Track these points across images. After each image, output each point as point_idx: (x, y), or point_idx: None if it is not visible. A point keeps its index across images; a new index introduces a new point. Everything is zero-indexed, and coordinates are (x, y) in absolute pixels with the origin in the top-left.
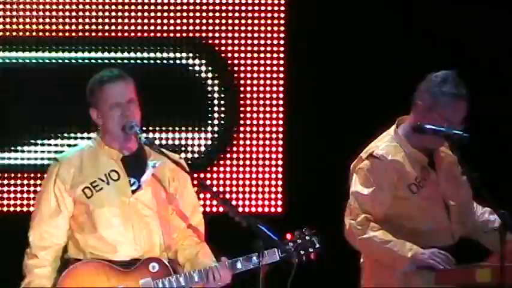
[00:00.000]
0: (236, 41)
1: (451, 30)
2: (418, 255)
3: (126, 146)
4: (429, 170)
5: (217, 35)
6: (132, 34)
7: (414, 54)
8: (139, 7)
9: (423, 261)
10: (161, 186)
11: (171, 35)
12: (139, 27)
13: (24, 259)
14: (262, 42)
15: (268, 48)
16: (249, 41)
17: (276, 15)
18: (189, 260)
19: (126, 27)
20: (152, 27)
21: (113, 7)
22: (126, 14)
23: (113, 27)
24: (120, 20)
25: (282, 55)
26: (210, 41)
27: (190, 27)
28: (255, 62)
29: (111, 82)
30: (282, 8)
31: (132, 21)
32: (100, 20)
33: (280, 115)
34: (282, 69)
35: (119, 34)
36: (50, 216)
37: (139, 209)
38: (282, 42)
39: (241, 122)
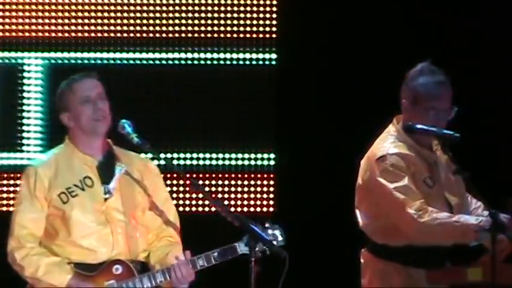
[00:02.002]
0: (228, 41)
1: (444, 28)
2: (486, 221)
3: (98, 150)
4: (435, 167)
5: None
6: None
7: (405, 56)
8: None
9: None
10: (131, 188)
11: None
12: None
13: (21, 258)
14: (254, 42)
15: (260, 49)
16: (242, 42)
17: (267, 21)
18: (159, 261)
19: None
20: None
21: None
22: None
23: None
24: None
25: (273, 55)
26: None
27: None
28: (247, 62)
29: (77, 81)
30: (274, 8)
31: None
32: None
33: (272, 115)
34: (274, 68)
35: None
36: (34, 217)
37: (113, 215)
38: (273, 43)
39: (232, 122)
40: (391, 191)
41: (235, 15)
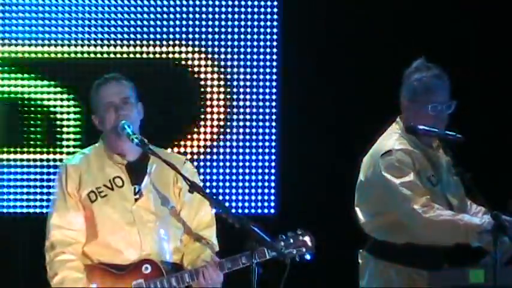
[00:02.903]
0: (229, 43)
1: (449, 29)
2: (488, 222)
3: (126, 151)
4: (438, 166)
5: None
6: None
7: (407, 54)
8: None
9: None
10: (164, 189)
11: None
12: None
13: (49, 261)
14: (255, 44)
15: (262, 50)
16: (242, 43)
17: (269, 20)
18: (192, 263)
19: None
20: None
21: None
22: None
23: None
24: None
25: (274, 56)
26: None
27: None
28: (248, 63)
29: (104, 84)
30: (275, 10)
31: None
32: None
33: (273, 116)
34: (274, 70)
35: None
36: (69, 215)
37: (142, 215)
38: (275, 43)
39: (234, 123)
40: (396, 186)
41: (236, 16)
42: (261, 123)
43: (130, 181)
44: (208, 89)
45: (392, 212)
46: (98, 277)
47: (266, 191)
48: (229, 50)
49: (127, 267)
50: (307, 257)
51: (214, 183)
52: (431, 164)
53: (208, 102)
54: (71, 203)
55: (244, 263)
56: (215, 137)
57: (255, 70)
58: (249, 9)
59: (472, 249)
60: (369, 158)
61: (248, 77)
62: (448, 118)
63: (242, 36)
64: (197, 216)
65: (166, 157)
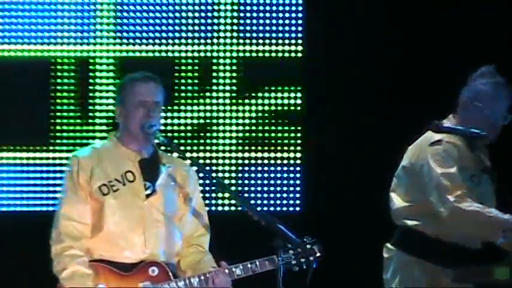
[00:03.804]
0: (254, 47)
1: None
2: None
3: (143, 148)
4: (482, 169)
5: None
6: None
7: (433, 52)
8: None
9: None
10: (172, 191)
11: None
12: None
13: (56, 253)
14: (279, 47)
15: (286, 48)
16: (267, 48)
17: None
18: (191, 266)
19: None
20: None
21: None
22: None
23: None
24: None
25: (299, 54)
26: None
27: None
28: (273, 53)
29: (142, 81)
30: (300, 8)
31: None
32: None
33: (299, 114)
34: (300, 66)
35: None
36: (79, 207)
37: (152, 213)
38: (299, 41)
39: (260, 121)
40: (438, 175)
41: (261, 7)
42: (286, 121)
43: (143, 177)
44: (234, 87)
45: (427, 200)
46: (102, 276)
47: (291, 189)
48: (254, 55)
49: (133, 268)
50: (314, 265)
51: (239, 181)
52: (475, 164)
53: (234, 101)
54: (82, 196)
55: (255, 270)
56: (240, 135)
57: (281, 66)
58: (274, 7)
59: (497, 248)
60: (416, 146)
61: (274, 75)
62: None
63: (267, 28)
64: (197, 222)
65: (173, 161)
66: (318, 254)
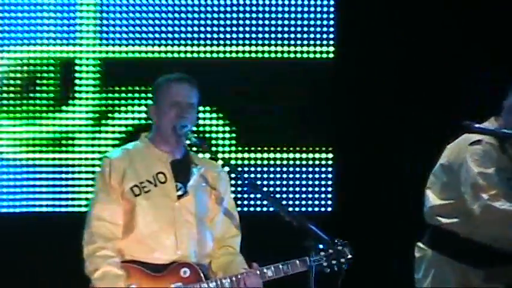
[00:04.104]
0: (285, 48)
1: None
2: None
3: (175, 149)
4: None
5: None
6: None
7: (463, 53)
8: None
9: None
10: (204, 193)
11: None
12: None
13: (88, 254)
14: (311, 48)
15: (318, 49)
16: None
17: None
18: (222, 267)
19: None
20: None
21: None
22: None
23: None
24: None
25: (331, 55)
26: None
27: None
28: (304, 54)
29: (177, 81)
30: (331, 9)
31: None
32: None
33: (330, 113)
34: (331, 65)
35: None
36: (111, 208)
37: (183, 214)
38: (331, 42)
39: (291, 120)
40: (475, 174)
41: (292, 8)
42: (318, 121)
43: (174, 178)
44: (265, 85)
45: (462, 198)
46: (134, 277)
47: (323, 189)
48: (285, 55)
49: (164, 269)
50: (344, 267)
51: (271, 182)
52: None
53: (266, 98)
54: (114, 197)
55: (286, 271)
56: (271, 134)
57: (311, 63)
58: (305, 9)
59: None
60: (456, 145)
61: (304, 74)
62: None
63: (299, 29)
64: (228, 223)
65: (205, 162)
66: (349, 256)
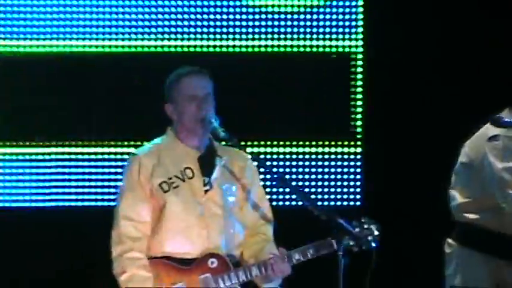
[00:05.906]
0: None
1: None
2: None
3: (201, 143)
4: None
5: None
6: None
7: (488, 49)
8: None
9: None
10: (229, 183)
11: None
12: None
13: (116, 255)
14: (340, 42)
15: (347, 43)
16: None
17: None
18: (254, 255)
19: None
20: None
21: None
22: None
23: None
24: None
25: (360, 49)
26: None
27: None
28: (333, 49)
29: (188, 75)
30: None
31: None
32: None
33: (359, 108)
34: (360, 59)
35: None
36: (139, 206)
37: (211, 207)
38: (359, 36)
39: (319, 114)
40: (499, 170)
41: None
42: (346, 114)
43: (201, 173)
44: (292, 78)
45: (489, 195)
46: (164, 273)
47: (352, 183)
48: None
49: (192, 262)
50: (373, 244)
51: (300, 176)
52: None
53: (292, 91)
54: (142, 195)
55: (313, 254)
56: (300, 128)
57: (340, 57)
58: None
59: None
60: (473, 142)
61: (333, 68)
62: None
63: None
64: (258, 212)
65: (230, 152)
66: (376, 233)
